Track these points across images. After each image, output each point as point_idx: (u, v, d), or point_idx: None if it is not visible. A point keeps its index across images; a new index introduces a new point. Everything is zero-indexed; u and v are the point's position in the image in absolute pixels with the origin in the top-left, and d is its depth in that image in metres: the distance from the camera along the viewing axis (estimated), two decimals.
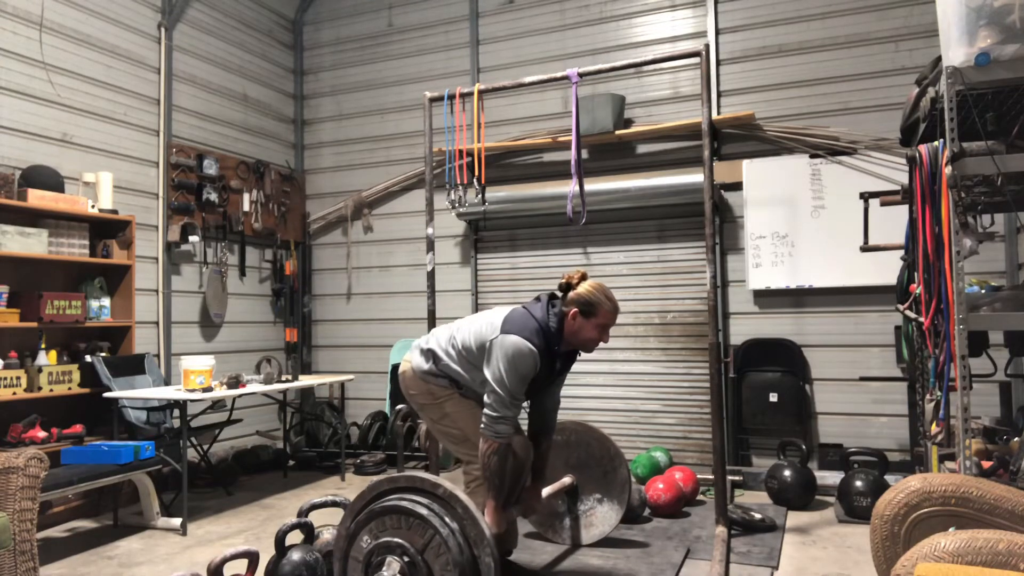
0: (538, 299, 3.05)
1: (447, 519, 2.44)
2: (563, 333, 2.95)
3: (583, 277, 2.99)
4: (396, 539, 2.45)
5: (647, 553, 3.66)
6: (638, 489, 4.27)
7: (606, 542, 3.84)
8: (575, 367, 5.74)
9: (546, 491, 3.47)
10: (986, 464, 2.86)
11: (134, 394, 4.55)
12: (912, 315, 3.20)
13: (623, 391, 5.77)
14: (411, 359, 3.19)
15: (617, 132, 5.64)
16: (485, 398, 2.89)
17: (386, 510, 2.51)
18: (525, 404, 3.11)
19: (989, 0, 2.38)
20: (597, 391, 5.84)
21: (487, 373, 2.88)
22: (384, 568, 2.42)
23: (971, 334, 2.52)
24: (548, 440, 3.32)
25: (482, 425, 2.87)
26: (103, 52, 5.17)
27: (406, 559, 2.41)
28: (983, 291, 3.03)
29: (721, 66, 5.64)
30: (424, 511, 2.45)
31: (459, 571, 2.37)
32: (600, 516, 3.76)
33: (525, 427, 3.34)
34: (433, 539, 2.42)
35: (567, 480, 3.72)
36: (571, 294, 2.95)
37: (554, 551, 3.73)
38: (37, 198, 4.39)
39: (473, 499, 2.76)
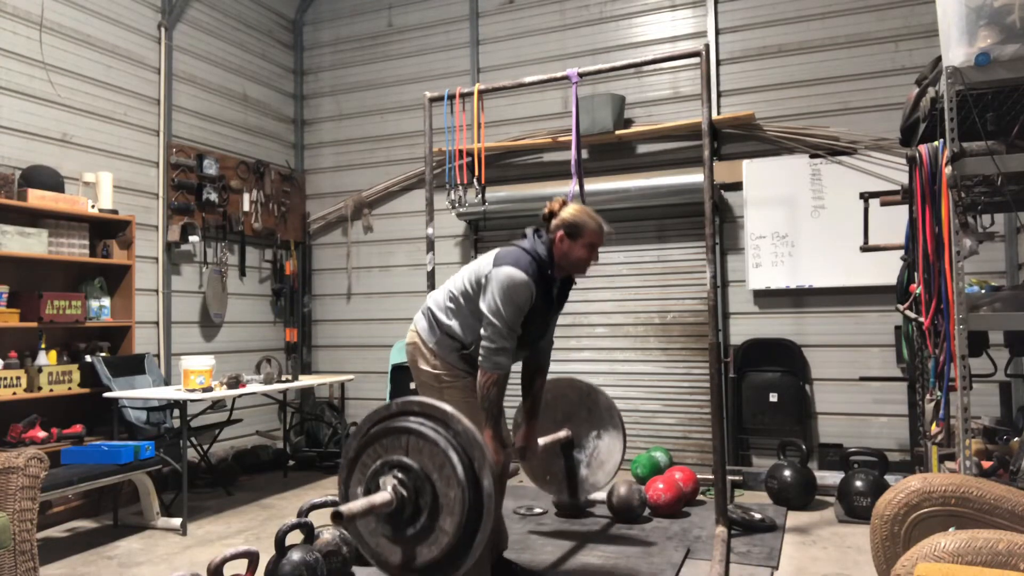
0: (525, 234, 3.04)
1: (411, 418, 2.43)
2: (554, 258, 2.95)
3: (564, 203, 3.00)
4: (377, 463, 2.42)
5: (647, 553, 3.66)
6: (638, 489, 4.27)
7: (606, 542, 3.85)
8: (574, 367, 5.79)
9: (542, 441, 3.45)
10: (986, 464, 2.86)
11: (134, 394, 4.55)
12: (912, 315, 3.20)
13: (623, 391, 5.77)
14: (418, 328, 3.12)
15: (617, 132, 5.64)
16: (482, 331, 2.86)
17: (359, 452, 2.49)
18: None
19: (989, 0, 2.38)
20: None
21: (483, 306, 2.85)
22: (380, 489, 2.38)
23: (971, 334, 2.52)
24: (542, 378, 3.30)
25: (480, 357, 2.85)
26: (103, 52, 5.17)
27: (395, 471, 2.38)
28: (983, 291, 3.03)
29: (721, 66, 5.64)
30: (388, 425, 2.44)
31: (443, 449, 2.34)
32: (606, 449, 3.74)
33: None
34: (409, 440, 2.40)
35: (562, 433, 3.70)
36: (555, 220, 2.96)
37: (554, 551, 3.73)
38: (37, 198, 4.39)
39: None
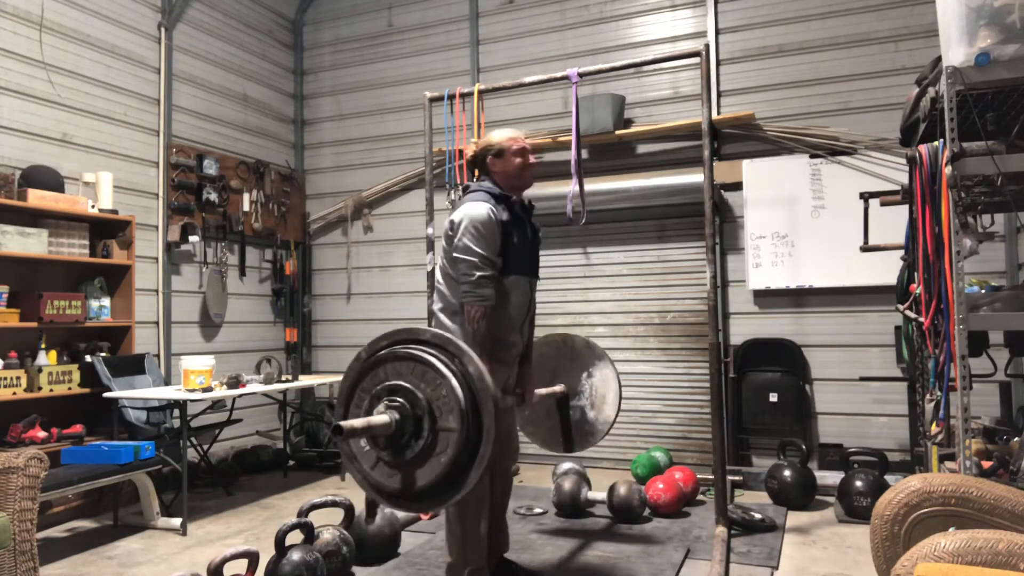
0: (467, 187, 3.16)
1: (381, 352, 2.45)
2: (501, 183, 3.06)
3: (473, 143, 3.18)
4: (366, 400, 2.43)
5: (647, 553, 3.66)
6: (638, 489, 4.27)
7: (606, 540, 3.85)
8: None
9: (540, 392, 3.48)
10: (986, 464, 2.86)
11: (134, 394, 4.55)
12: (912, 315, 3.20)
13: (623, 391, 5.76)
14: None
15: (617, 132, 5.64)
16: (460, 268, 2.87)
17: (349, 394, 2.50)
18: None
19: (989, 0, 2.38)
20: None
21: (456, 253, 2.88)
22: (376, 415, 2.39)
23: (971, 334, 2.52)
24: (530, 323, 3.30)
25: (464, 293, 2.84)
26: (103, 52, 5.17)
27: (384, 399, 2.38)
28: (983, 291, 3.03)
29: (721, 66, 5.64)
30: (362, 369, 2.46)
31: (420, 358, 2.36)
32: (601, 383, 3.73)
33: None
34: (386, 369, 2.42)
35: (557, 388, 3.71)
36: (476, 157, 3.13)
37: (554, 551, 3.73)
38: (37, 198, 4.39)
39: None
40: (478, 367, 2.37)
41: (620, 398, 3.76)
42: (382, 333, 2.53)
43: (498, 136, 3.11)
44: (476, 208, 2.89)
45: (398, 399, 2.36)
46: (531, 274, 3.14)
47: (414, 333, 2.45)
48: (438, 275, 3.05)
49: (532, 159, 3.13)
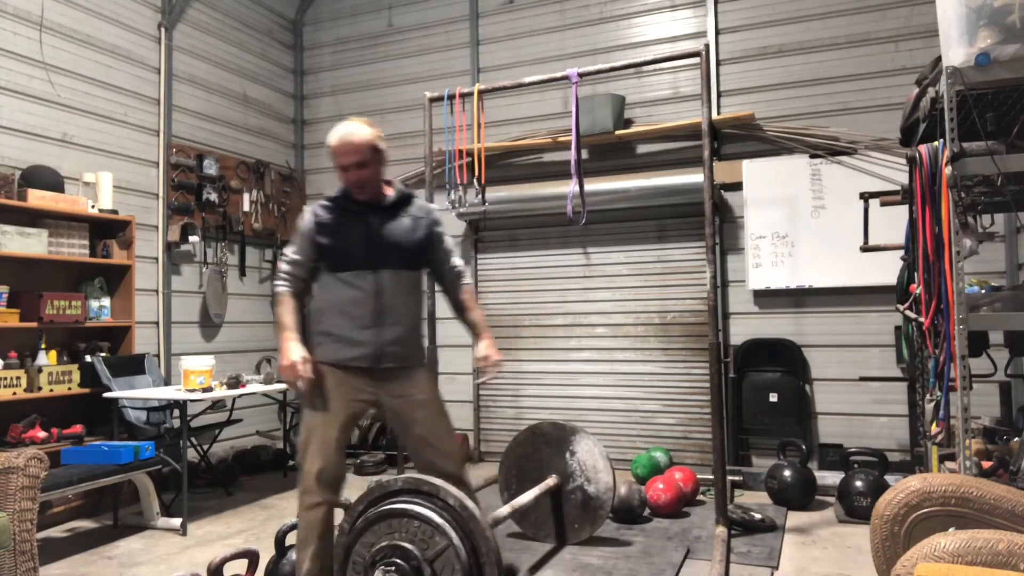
0: None
1: (360, 517, 2.47)
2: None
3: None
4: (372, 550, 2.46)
5: (647, 553, 3.66)
6: (638, 489, 4.26)
7: (606, 542, 3.85)
8: (572, 367, 5.80)
9: (533, 493, 3.51)
10: (986, 464, 2.86)
11: (134, 394, 4.55)
12: (912, 315, 3.20)
13: (623, 391, 5.78)
14: None
15: (617, 132, 5.64)
16: None
17: (349, 549, 2.52)
18: None
19: (989, 0, 2.38)
20: (597, 391, 5.84)
21: None
22: None
23: (971, 334, 2.52)
24: (461, 297, 3.11)
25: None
26: (103, 52, 5.17)
27: (379, 565, 2.40)
28: (983, 291, 3.03)
29: (721, 66, 5.64)
30: (352, 535, 2.48)
31: (396, 511, 2.39)
32: (587, 454, 3.72)
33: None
34: (368, 539, 2.43)
35: (551, 481, 3.71)
36: None
37: (554, 551, 3.72)
38: (37, 198, 4.39)
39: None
40: (454, 494, 2.39)
41: (609, 460, 3.76)
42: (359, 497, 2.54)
43: (331, 138, 2.98)
44: (304, 213, 3.07)
45: (392, 561, 2.39)
46: (370, 267, 2.94)
47: (385, 487, 2.49)
48: None
49: (350, 172, 2.99)
